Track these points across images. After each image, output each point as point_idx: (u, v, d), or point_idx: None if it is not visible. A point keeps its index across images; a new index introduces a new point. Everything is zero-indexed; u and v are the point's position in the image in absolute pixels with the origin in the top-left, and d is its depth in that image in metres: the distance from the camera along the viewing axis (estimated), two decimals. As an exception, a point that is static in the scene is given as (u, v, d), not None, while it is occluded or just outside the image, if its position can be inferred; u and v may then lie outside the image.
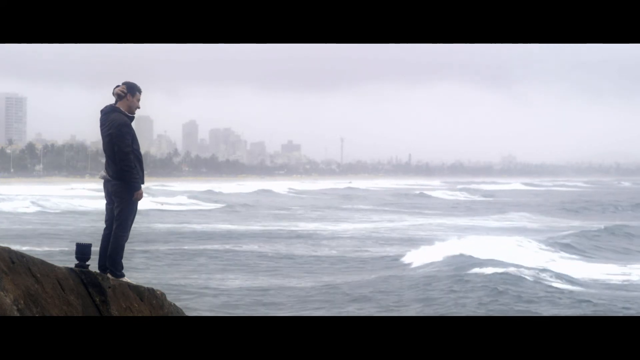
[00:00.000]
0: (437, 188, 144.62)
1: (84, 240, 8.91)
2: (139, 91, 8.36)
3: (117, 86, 8.35)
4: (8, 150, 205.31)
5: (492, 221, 59.14)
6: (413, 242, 40.60)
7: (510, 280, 25.80)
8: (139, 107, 8.39)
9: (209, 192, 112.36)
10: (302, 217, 64.42)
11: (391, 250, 37.26)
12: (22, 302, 6.76)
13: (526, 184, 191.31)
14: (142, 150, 8.59)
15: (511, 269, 27.60)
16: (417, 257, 32.59)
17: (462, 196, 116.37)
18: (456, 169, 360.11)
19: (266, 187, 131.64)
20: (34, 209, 69.29)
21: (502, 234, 43.78)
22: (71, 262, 8.09)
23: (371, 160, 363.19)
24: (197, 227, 52.11)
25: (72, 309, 7.37)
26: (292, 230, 49.53)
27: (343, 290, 25.29)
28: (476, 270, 27.86)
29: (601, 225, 49.36)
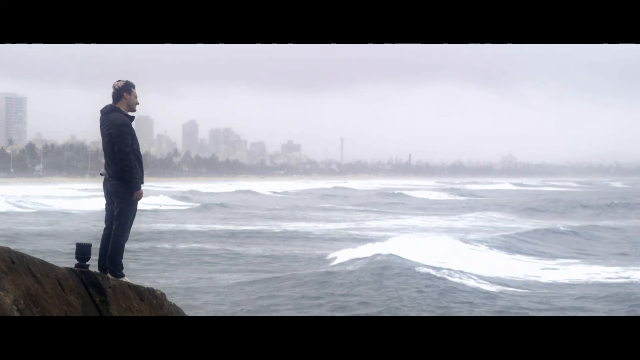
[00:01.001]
0: (421, 188, 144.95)
1: (84, 240, 8.91)
2: (133, 86, 8.36)
3: (118, 81, 8.38)
4: (8, 150, 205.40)
5: (447, 221, 59.38)
6: (354, 241, 41.17)
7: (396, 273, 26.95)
8: (138, 103, 8.39)
9: (192, 192, 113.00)
10: (261, 216, 65.15)
11: (320, 250, 37.47)
12: (22, 302, 6.76)
13: (516, 184, 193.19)
14: (142, 150, 8.59)
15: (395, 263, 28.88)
16: (339, 256, 33.18)
17: (440, 196, 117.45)
18: (456, 169, 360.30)
19: (249, 188, 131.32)
20: (6, 208, 69.48)
21: (449, 233, 44.44)
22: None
23: (371, 160, 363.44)
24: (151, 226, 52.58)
25: (72, 309, 7.37)
26: (236, 230, 49.69)
27: (227, 286, 25.92)
28: (382, 267, 28.66)
29: (557, 224, 50.63)
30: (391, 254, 30.94)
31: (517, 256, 35.23)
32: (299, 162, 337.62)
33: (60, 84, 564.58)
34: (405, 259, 30.29)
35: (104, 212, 8.46)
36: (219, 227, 51.87)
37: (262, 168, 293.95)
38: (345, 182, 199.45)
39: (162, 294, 8.60)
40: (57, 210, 70.08)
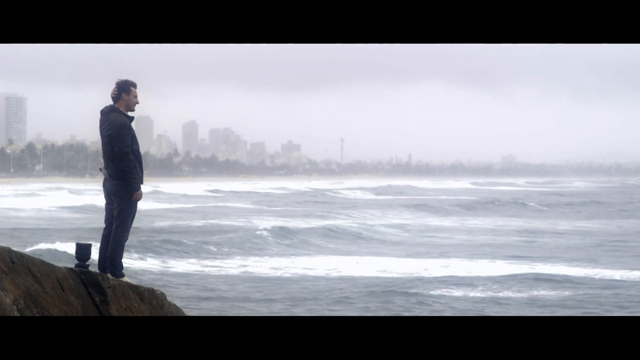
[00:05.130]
0: (361, 189, 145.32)
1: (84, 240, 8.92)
2: (133, 86, 8.30)
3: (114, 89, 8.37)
4: (8, 150, 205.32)
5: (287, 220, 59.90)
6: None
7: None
8: (137, 102, 8.35)
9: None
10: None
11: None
12: (22, 302, 6.76)
13: (474, 184, 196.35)
14: (142, 150, 8.59)
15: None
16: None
17: (364, 195, 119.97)
18: (456, 169, 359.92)
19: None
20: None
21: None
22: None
23: (371, 160, 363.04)
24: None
25: (72, 309, 7.37)
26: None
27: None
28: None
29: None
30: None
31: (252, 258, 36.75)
32: (299, 162, 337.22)
33: (60, 84, 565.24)
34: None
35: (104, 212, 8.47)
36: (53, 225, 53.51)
37: (262, 168, 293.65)
38: (310, 181, 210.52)
39: (162, 294, 8.60)
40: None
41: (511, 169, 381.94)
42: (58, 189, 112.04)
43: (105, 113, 8.29)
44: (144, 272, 30.37)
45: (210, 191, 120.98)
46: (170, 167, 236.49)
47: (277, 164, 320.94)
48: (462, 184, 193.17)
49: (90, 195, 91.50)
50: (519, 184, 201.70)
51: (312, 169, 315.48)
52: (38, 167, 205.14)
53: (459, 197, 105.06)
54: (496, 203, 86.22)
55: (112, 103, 8.33)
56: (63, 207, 72.16)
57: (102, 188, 8.47)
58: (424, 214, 71.37)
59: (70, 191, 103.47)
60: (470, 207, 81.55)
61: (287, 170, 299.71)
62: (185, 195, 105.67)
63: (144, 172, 8.46)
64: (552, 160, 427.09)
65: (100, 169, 8.40)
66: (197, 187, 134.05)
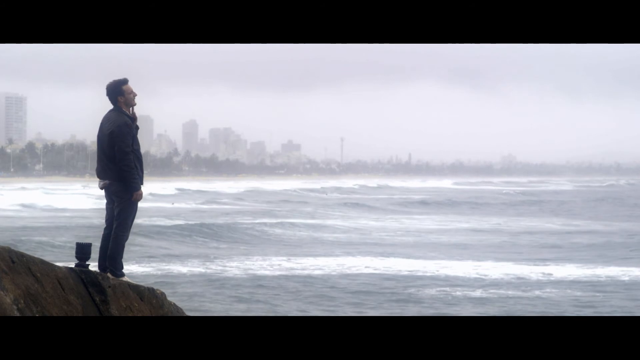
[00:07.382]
0: (336, 188, 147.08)
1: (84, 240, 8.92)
2: (124, 84, 8.32)
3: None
4: (8, 150, 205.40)
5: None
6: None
7: None
8: (135, 95, 8.36)
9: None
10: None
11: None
12: (22, 301, 6.76)
13: (457, 184, 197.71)
14: (142, 150, 8.59)
15: None
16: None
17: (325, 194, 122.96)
18: (456, 169, 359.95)
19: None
20: None
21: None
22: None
23: (371, 160, 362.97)
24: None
25: (72, 308, 7.37)
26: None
27: None
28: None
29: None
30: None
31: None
32: (299, 161, 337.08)
33: (60, 84, 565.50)
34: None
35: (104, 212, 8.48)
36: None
37: (262, 167, 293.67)
38: (293, 180, 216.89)
39: (162, 294, 8.60)
40: None
41: (511, 168, 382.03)
42: (23, 189, 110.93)
43: (108, 112, 8.36)
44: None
45: (177, 189, 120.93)
46: (170, 167, 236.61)
47: (277, 163, 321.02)
48: (445, 183, 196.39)
49: (58, 195, 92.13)
50: (496, 183, 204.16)
51: (312, 168, 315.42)
52: (38, 167, 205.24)
53: (405, 196, 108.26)
54: (443, 202, 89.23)
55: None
56: (10, 206, 73.21)
57: (100, 189, 8.49)
58: (354, 212, 74.70)
59: (45, 191, 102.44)
60: (409, 205, 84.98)
61: (287, 169, 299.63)
62: (151, 194, 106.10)
63: (144, 171, 8.48)
64: (552, 159, 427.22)
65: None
66: (168, 187, 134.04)
